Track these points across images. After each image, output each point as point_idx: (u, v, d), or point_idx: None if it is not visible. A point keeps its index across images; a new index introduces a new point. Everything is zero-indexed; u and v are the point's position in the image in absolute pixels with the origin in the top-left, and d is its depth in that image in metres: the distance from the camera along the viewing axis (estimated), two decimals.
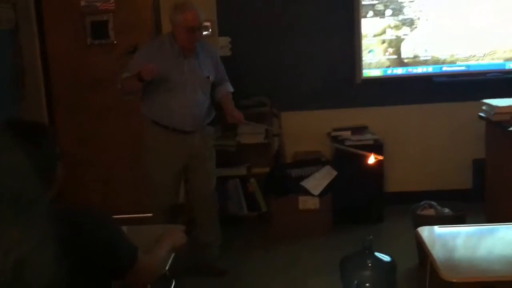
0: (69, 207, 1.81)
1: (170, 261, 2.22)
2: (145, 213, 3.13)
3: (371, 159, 3.29)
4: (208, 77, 3.70)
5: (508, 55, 4.83)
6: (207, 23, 4.57)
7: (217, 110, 3.92)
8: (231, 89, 3.94)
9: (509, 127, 3.31)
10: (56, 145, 1.83)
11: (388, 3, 4.81)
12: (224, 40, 4.93)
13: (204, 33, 4.89)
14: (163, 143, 3.65)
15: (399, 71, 4.89)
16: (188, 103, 3.60)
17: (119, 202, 4.67)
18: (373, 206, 4.66)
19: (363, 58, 4.85)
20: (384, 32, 4.85)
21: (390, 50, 4.87)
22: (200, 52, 3.66)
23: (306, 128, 5.02)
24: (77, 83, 4.83)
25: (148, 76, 3.39)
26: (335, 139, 4.81)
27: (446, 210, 3.83)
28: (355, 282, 3.04)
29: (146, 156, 3.77)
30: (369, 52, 4.86)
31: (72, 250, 1.69)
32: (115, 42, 4.80)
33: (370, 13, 4.82)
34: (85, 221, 1.79)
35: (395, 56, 4.87)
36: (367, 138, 4.72)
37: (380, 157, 3.52)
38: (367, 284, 3.03)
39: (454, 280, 2.02)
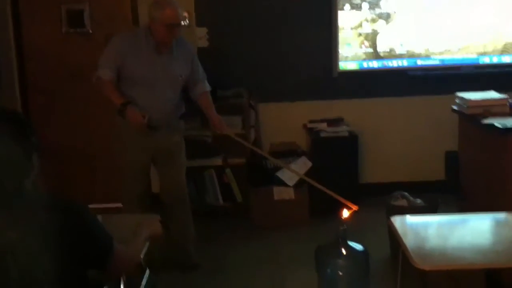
0: (47, 196, 1.81)
1: (144, 251, 2.23)
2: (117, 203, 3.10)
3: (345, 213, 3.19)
4: (181, 76, 3.66)
5: (481, 50, 4.91)
6: (185, 14, 4.55)
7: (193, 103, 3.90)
8: (208, 88, 3.89)
9: (482, 120, 3.37)
10: (33, 135, 1.82)
11: None
12: (202, 31, 4.93)
13: (182, 23, 4.89)
14: (130, 135, 3.61)
15: (375, 64, 4.94)
16: (155, 100, 3.56)
17: (103, 191, 4.65)
18: (348, 196, 4.69)
19: (340, 51, 4.89)
20: (360, 25, 4.89)
21: (367, 43, 4.91)
22: (175, 50, 3.61)
23: (283, 120, 5.05)
24: (55, 72, 4.79)
25: (131, 121, 3.44)
26: (310, 130, 4.85)
27: (419, 201, 3.89)
28: (328, 270, 3.08)
29: (119, 149, 3.77)
30: (346, 45, 4.89)
31: (50, 239, 1.70)
32: (90, 31, 4.76)
33: (347, 6, 4.85)
34: (63, 210, 1.79)
35: (371, 50, 4.91)
36: (343, 130, 4.77)
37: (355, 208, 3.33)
38: (340, 273, 3.07)
39: (426, 268, 2.06)
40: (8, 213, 1.67)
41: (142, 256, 2.20)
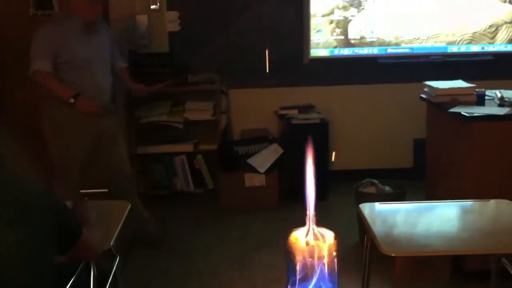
0: (15, 177, 1.79)
1: (114, 237, 2.22)
2: (103, 188, 3.09)
3: None
4: (109, 55, 3.75)
5: (450, 39, 4.98)
6: None
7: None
8: (125, 64, 4.02)
9: (449, 109, 3.42)
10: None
11: None
12: (173, 15, 4.89)
13: (152, 7, 4.84)
14: (73, 124, 3.53)
15: (346, 51, 4.97)
16: (95, 81, 3.58)
17: None
18: (318, 183, 4.74)
19: (311, 38, 4.90)
20: (332, 12, 4.90)
21: (338, 30, 4.93)
22: (100, 29, 3.68)
23: (254, 106, 5.06)
24: (22, 53, 4.70)
25: (85, 111, 3.46)
26: (282, 117, 4.86)
27: (387, 188, 3.94)
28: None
29: (52, 135, 3.63)
30: (317, 32, 4.91)
31: (17, 222, 1.68)
32: (59, 13, 4.68)
33: None
34: (31, 193, 1.77)
35: (342, 37, 4.94)
36: (314, 117, 4.79)
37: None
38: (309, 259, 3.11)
39: (392, 255, 2.09)
40: None
41: (112, 243, 2.19)
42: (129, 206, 2.51)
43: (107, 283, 2.29)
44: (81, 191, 2.34)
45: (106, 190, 2.82)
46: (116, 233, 2.24)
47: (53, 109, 3.55)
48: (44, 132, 3.64)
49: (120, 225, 2.31)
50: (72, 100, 3.45)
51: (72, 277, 2.01)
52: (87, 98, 3.50)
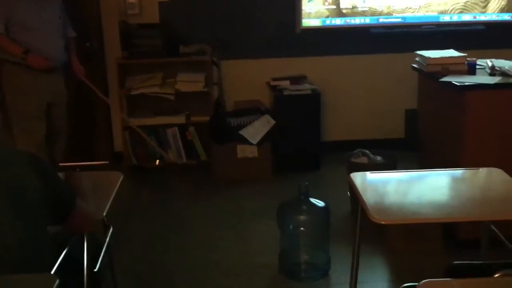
0: (6, 150, 1.79)
1: (107, 208, 2.23)
2: (98, 160, 3.09)
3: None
4: (60, 17, 3.99)
5: (442, 8, 4.95)
6: None
7: None
8: (74, 34, 4.20)
9: (440, 78, 3.42)
10: None
11: None
12: None
13: None
14: (29, 81, 3.85)
15: (338, 21, 4.94)
16: (47, 40, 3.86)
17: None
18: (310, 154, 4.77)
19: (303, 8, 4.86)
20: None
21: (330, 0, 4.89)
22: None
23: (246, 77, 5.04)
24: None
25: (36, 65, 3.77)
26: (274, 88, 4.85)
27: (379, 158, 3.96)
28: (291, 226, 3.15)
29: (12, 97, 3.94)
30: (308, 1, 4.87)
31: (11, 194, 1.68)
32: None
33: None
34: (22, 164, 1.77)
35: (334, 7, 4.90)
36: (306, 88, 4.78)
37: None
38: (301, 228, 3.15)
39: (383, 222, 2.11)
40: None
41: (104, 213, 2.19)
42: (122, 177, 2.51)
43: (101, 253, 2.30)
44: (74, 163, 2.32)
45: (106, 162, 2.84)
46: (109, 203, 2.25)
47: (10, 75, 3.85)
48: (6, 97, 3.96)
49: (113, 195, 2.31)
50: (22, 56, 3.74)
51: (65, 248, 2.02)
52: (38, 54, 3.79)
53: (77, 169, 2.30)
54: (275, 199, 3.58)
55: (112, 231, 2.46)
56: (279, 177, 4.57)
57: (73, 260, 2.02)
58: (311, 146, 4.76)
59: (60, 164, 2.52)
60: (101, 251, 2.29)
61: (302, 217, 3.15)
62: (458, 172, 2.69)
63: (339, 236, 3.42)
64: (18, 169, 1.75)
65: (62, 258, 1.92)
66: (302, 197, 3.14)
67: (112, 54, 4.90)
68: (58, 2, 4.00)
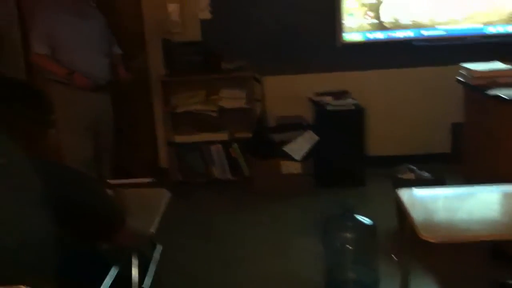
0: (55, 165, 1.82)
1: (155, 225, 2.24)
2: (143, 176, 3.14)
3: None
4: (105, 36, 4.02)
5: (486, 19, 4.87)
6: None
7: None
8: (119, 51, 4.24)
9: (487, 91, 3.35)
10: (49, 111, 1.81)
11: None
12: (204, 2, 4.89)
13: None
14: (74, 101, 3.86)
15: (379, 35, 4.90)
16: (93, 60, 3.89)
17: None
18: (354, 170, 4.72)
19: (344, 22, 4.85)
20: None
21: (370, 13, 4.87)
22: (93, 11, 3.95)
23: (288, 93, 5.04)
24: None
25: (81, 85, 3.79)
26: (316, 104, 4.84)
27: (426, 174, 3.89)
28: (338, 244, 3.12)
29: (58, 115, 3.93)
30: (349, 15, 4.85)
31: (59, 211, 1.71)
32: None
33: None
34: (72, 182, 1.80)
35: (375, 20, 4.87)
36: (349, 103, 4.75)
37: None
38: (348, 246, 3.11)
39: (433, 241, 2.06)
40: (10, 186, 1.63)
41: (153, 230, 2.21)
42: (169, 196, 2.53)
43: (147, 270, 2.32)
44: (122, 180, 2.36)
45: (152, 179, 2.88)
46: (157, 221, 2.27)
47: (56, 94, 3.81)
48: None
49: (161, 212, 2.33)
50: (67, 76, 3.77)
51: (113, 265, 2.05)
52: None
53: (123, 187, 2.33)
54: (318, 216, 3.55)
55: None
56: (322, 193, 4.54)
57: (121, 276, 2.05)
58: (355, 162, 4.71)
59: (108, 181, 2.57)
60: (147, 268, 2.31)
61: (348, 235, 3.12)
62: (508, 187, 2.62)
63: (385, 253, 3.37)
64: (69, 186, 1.77)
65: (112, 276, 1.94)
66: (347, 213, 3.11)
67: (155, 71, 4.99)
68: (101, 20, 4.04)
